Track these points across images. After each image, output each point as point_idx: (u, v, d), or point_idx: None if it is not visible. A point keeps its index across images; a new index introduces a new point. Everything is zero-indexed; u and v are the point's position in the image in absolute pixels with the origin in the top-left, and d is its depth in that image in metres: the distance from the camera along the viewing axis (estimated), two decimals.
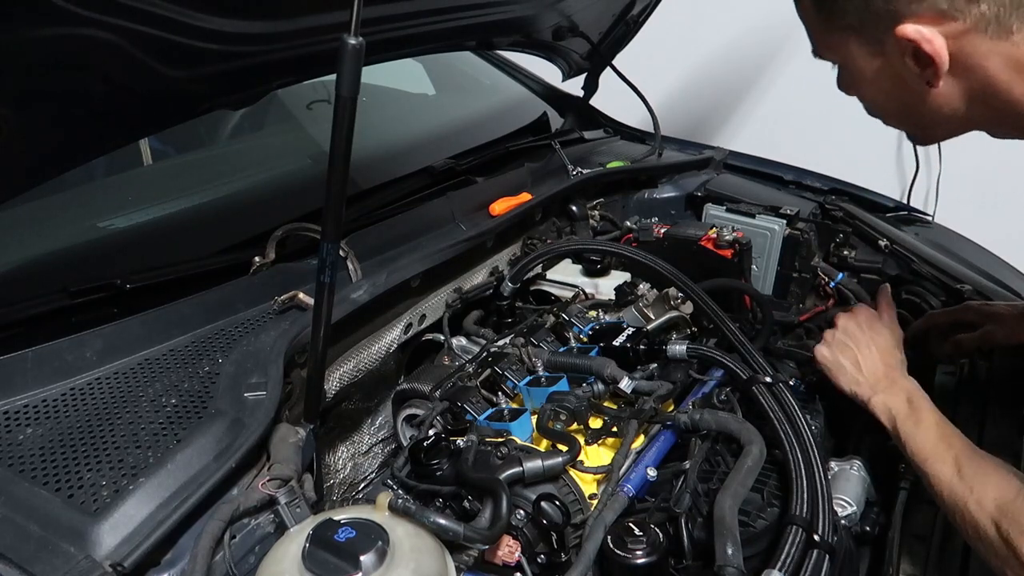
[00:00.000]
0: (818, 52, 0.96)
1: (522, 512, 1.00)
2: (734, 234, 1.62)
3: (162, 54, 1.08)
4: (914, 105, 0.90)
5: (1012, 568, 0.88)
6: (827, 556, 0.94)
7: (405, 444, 1.27)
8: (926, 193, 2.92)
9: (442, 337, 1.45)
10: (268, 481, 0.91)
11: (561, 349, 1.34)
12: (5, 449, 0.94)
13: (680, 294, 1.45)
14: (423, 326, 1.44)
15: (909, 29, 0.81)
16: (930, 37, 0.81)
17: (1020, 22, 0.80)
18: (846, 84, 0.98)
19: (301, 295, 1.21)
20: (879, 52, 0.87)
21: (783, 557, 0.92)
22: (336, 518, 0.86)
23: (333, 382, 1.23)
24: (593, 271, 1.68)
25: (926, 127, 0.96)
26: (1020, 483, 0.92)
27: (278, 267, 1.32)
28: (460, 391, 1.22)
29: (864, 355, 1.18)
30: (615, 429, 1.11)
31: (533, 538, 1.00)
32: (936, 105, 0.88)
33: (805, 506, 0.99)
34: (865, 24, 0.85)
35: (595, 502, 1.04)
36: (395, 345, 1.37)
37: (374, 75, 2.06)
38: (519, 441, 1.10)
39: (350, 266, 1.33)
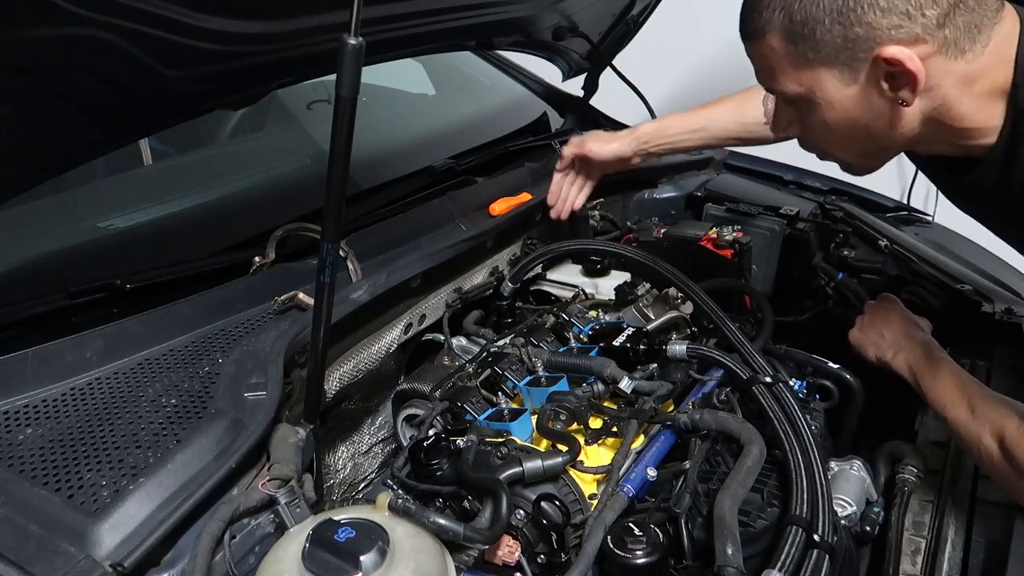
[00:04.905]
0: (780, 87, 0.99)
1: (522, 512, 1.00)
2: (734, 234, 1.62)
3: (162, 54, 1.08)
4: (877, 130, 0.97)
5: (1019, 489, 1.00)
6: (827, 556, 0.94)
7: (405, 444, 1.27)
8: (926, 193, 2.91)
9: (442, 337, 1.45)
10: (268, 481, 0.91)
11: (561, 349, 1.34)
12: (5, 449, 0.94)
13: (680, 294, 1.45)
14: (423, 326, 1.45)
15: (893, 50, 0.88)
16: (912, 56, 0.88)
17: (970, 43, 0.90)
18: (786, 122, 1.05)
19: (301, 295, 1.21)
20: (853, 80, 0.93)
21: (783, 557, 0.92)
22: (336, 518, 0.86)
23: (333, 382, 1.23)
24: (593, 271, 1.68)
25: (874, 153, 1.04)
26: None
27: (278, 267, 1.32)
28: (460, 391, 1.22)
29: (886, 326, 1.33)
30: (615, 429, 1.11)
31: (533, 538, 1.00)
32: (899, 127, 0.96)
33: (805, 506, 0.99)
34: (841, 53, 0.91)
35: (595, 502, 1.04)
36: (395, 345, 1.37)
37: (374, 75, 2.06)
38: (519, 441, 1.10)
39: (350, 266, 1.33)
